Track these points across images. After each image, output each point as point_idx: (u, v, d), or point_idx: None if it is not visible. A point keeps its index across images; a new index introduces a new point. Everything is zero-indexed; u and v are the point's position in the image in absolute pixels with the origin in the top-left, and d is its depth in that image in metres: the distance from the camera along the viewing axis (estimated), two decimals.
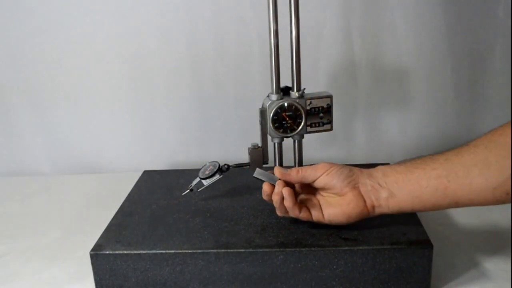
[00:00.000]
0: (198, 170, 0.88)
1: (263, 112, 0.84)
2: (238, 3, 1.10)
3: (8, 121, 1.22)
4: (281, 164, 0.88)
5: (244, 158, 1.11)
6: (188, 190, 0.87)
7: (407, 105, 1.18)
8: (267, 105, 0.83)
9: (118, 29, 1.13)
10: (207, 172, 0.86)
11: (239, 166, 0.88)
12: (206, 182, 0.86)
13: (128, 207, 0.88)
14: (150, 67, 1.16)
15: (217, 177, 0.86)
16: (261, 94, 1.18)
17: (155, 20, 1.12)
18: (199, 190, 0.87)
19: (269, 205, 0.84)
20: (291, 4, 0.79)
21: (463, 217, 0.92)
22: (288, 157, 0.89)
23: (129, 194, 0.93)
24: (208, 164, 0.88)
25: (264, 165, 0.87)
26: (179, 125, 1.21)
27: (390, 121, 1.19)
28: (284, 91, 0.84)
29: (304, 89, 0.84)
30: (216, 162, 0.87)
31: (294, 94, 0.84)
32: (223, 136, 1.21)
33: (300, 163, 0.89)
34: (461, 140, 1.20)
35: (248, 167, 0.87)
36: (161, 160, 1.22)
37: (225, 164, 0.86)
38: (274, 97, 0.83)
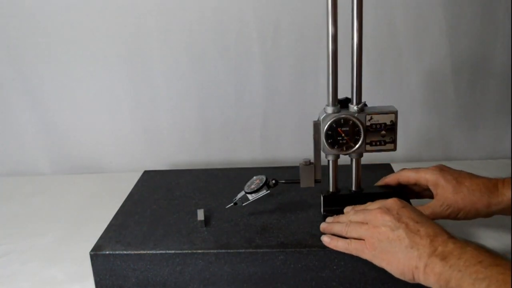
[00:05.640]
0: (198, 170, 0.87)
1: (316, 126, 0.76)
2: (238, 3, 1.10)
3: (8, 121, 1.22)
4: (335, 184, 0.80)
5: (244, 158, 1.11)
6: (232, 204, 0.82)
7: (407, 106, 1.18)
8: (321, 118, 0.76)
9: (118, 29, 1.12)
10: (252, 186, 0.81)
11: (289, 182, 0.81)
12: (251, 197, 0.80)
13: (128, 207, 0.88)
14: (150, 67, 1.16)
15: (263, 192, 0.80)
16: (261, 94, 1.18)
17: (155, 19, 1.12)
18: (243, 204, 0.81)
19: (269, 206, 0.84)
20: (353, 6, 0.72)
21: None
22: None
23: (129, 194, 0.93)
24: (255, 178, 0.83)
25: (316, 183, 0.80)
26: (179, 125, 1.21)
27: None
28: (343, 104, 0.77)
29: (365, 102, 0.76)
30: (263, 176, 0.82)
31: (353, 107, 0.76)
32: (223, 136, 1.21)
33: (358, 185, 0.81)
34: (461, 141, 1.21)
35: (298, 183, 0.81)
36: (161, 160, 1.22)
37: (273, 179, 0.81)
38: (329, 109, 0.75)
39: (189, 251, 0.73)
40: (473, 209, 0.73)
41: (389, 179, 0.82)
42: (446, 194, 0.74)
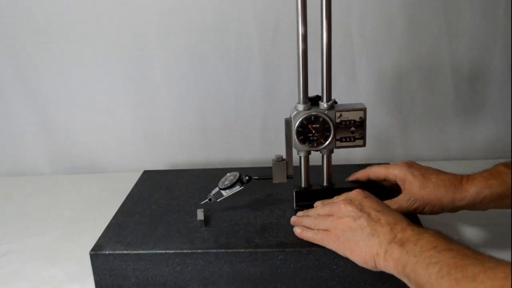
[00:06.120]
0: (198, 170, 0.87)
1: (288, 123, 0.78)
2: (238, 3, 1.10)
3: (8, 121, 1.22)
4: (307, 180, 0.83)
5: (244, 158, 1.10)
6: (206, 200, 0.83)
7: (407, 105, 1.18)
8: (292, 115, 0.78)
9: (118, 29, 1.13)
10: (226, 183, 0.82)
11: (262, 178, 0.83)
12: (225, 193, 0.82)
13: (128, 207, 0.88)
14: (150, 67, 1.16)
15: (237, 188, 0.82)
16: (261, 94, 1.18)
17: (155, 19, 1.12)
18: (218, 200, 0.83)
19: (269, 205, 0.84)
20: (322, 7, 0.75)
21: (463, 217, 0.92)
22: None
23: (129, 194, 0.93)
24: (228, 174, 0.84)
25: (288, 178, 0.82)
26: (179, 125, 1.21)
27: (390, 121, 1.19)
28: (313, 101, 0.78)
29: (335, 99, 0.78)
30: (237, 172, 0.83)
31: (323, 105, 0.77)
32: (223, 136, 1.21)
33: (329, 180, 0.83)
34: (461, 141, 1.21)
35: (270, 179, 0.82)
36: (161, 160, 1.22)
37: (246, 175, 0.82)
38: (300, 107, 0.78)
39: (189, 251, 0.73)
40: (438, 204, 0.74)
41: (360, 175, 0.84)
42: (413, 189, 0.75)
